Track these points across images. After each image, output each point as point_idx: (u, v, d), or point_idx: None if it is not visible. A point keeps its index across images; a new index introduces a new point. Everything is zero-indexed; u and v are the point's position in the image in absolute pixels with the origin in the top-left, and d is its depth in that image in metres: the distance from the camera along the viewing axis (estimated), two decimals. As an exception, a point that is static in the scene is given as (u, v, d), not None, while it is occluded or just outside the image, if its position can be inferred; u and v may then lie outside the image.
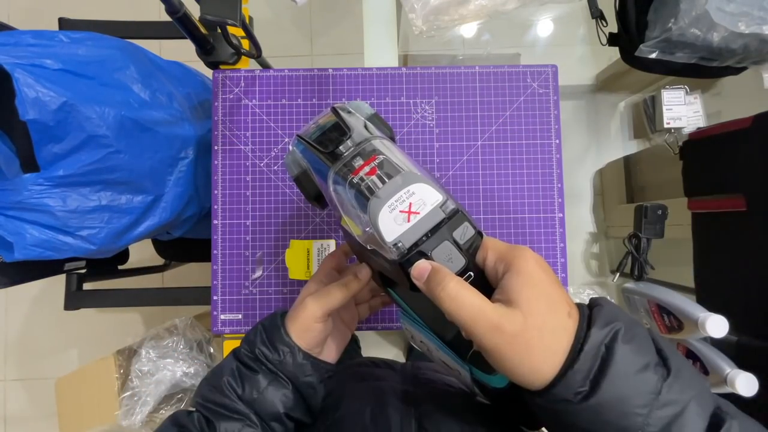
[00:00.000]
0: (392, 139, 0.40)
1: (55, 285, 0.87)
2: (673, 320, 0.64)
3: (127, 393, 1.05)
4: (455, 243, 0.31)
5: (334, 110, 0.38)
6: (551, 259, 0.63)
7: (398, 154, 0.35)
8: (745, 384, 0.55)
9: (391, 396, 0.43)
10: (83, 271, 0.84)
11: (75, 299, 0.82)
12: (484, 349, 0.28)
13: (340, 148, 0.35)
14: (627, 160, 0.99)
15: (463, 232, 0.32)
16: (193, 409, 0.39)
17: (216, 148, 0.65)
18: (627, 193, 0.98)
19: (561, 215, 0.63)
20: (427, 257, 0.30)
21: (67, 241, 0.58)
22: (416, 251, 0.30)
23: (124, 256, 0.94)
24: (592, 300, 0.30)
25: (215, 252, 0.64)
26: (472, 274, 0.31)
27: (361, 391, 0.45)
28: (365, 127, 0.38)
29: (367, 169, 0.33)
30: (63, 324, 1.48)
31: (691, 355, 0.63)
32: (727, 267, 0.65)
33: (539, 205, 0.63)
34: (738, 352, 0.60)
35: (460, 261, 0.31)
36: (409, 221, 0.31)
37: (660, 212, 0.75)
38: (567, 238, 0.63)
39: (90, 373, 1.12)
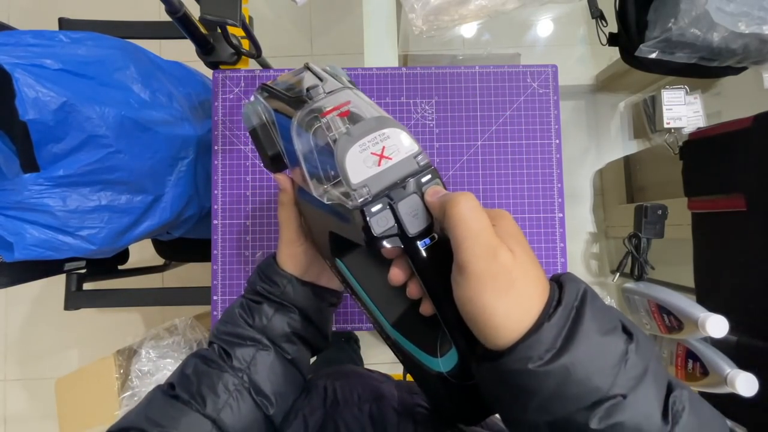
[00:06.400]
0: None
1: (55, 285, 0.87)
2: (673, 320, 0.64)
3: (127, 393, 1.05)
4: (423, 199, 0.29)
5: (308, 65, 0.36)
6: (551, 259, 0.63)
7: (374, 104, 0.32)
8: (745, 384, 0.55)
9: (390, 399, 0.43)
10: (83, 271, 0.84)
11: (75, 299, 0.82)
12: (470, 273, 0.26)
13: (310, 92, 0.32)
14: (627, 160, 0.99)
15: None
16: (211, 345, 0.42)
17: (216, 148, 0.65)
18: (627, 193, 0.98)
19: (561, 215, 0.63)
20: (392, 208, 0.28)
21: (67, 241, 0.58)
22: (380, 199, 0.28)
23: (124, 256, 0.94)
24: (554, 275, 0.29)
25: (215, 252, 0.64)
26: (436, 235, 0.29)
27: (362, 388, 0.46)
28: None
29: (337, 112, 0.30)
30: (63, 324, 1.48)
31: (691, 355, 0.63)
32: (727, 267, 0.65)
33: (539, 205, 0.63)
34: (738, 352, 0.60)
35: (425, 220, 0.29)
36: (379, 165, 0.28)
37: (660, 212, 0.75)
38: (567, 238, 0.63)
39: (90, 373, 1.12)
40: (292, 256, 0.42)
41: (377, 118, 0.30)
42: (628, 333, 0.25)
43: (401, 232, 0.28)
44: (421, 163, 0.29)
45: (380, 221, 0.28)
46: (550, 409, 0.24)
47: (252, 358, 0.39)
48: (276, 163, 0.38)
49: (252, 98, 0.40)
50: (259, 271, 0.43)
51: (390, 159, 0.28)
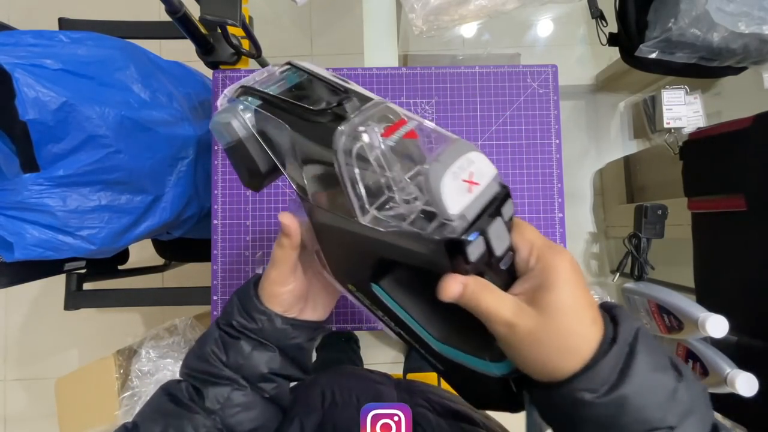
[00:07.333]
0: None
1: (55, 285, 0.87)
2: (673, 320, 0.64)
3: (127, 393, 1.05)
4: (504, 220, 0.29)
5: (293, 64, 0.34)
6: (551, 259, 0.63)
7: (421, 119, 0.32)
8: (745, 384, 0.55)
9: (389, 401, 0.43)
10: (83, 271, 0.84)
11: (75, 299, 0.82)
12: (498, 339, 0.28)
13: (344, 105, 0.30)
14: (627, 160, 0.99)
15: (508, 210, 0.29)
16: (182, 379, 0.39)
17: (216, 148, 0.65)
18: (627, 193, 0.98)
19: (561, 215, 0.63)
20: (484, 234, 0.27)
21: (67, 241, 0.58)
22: (474, 227, 0.27)
23: (124, 256, 0.94)
24: (604, 304, 0.30)
25: (215, 252, 0.64)
26: (512, 252, 0.30)
27: (360, 389, 0.46)
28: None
29: (402, 130, 0.29)
30: (63, 324, 1.48)
31: (691, 355, 0.63)
32: (727, 267, 0.65)
33: (539, 205, 0.63)
34: (738, 352, 0.60)
35: (506, 240, 0.29)
36: (470, 192, 0.27)
37: (660, 212, 0.75)
38: (567, 238, 0.63)
39: (90, 373, 1.12)
40: (278, 296, 0.38)
41: (457, 142, 0.29)
42: (677, 371, 0.27)
43: (489, 255, 0.28)
44: (501, 184, 0.29)
45: (475, 248, 0.27)
46: None
47: (226, 399, 0.36)
48: (266, 178, 0.35)
49: (228, 104, 0.35)
50: (238, 303, 0.39)
51: (478, 185, 0.28)
